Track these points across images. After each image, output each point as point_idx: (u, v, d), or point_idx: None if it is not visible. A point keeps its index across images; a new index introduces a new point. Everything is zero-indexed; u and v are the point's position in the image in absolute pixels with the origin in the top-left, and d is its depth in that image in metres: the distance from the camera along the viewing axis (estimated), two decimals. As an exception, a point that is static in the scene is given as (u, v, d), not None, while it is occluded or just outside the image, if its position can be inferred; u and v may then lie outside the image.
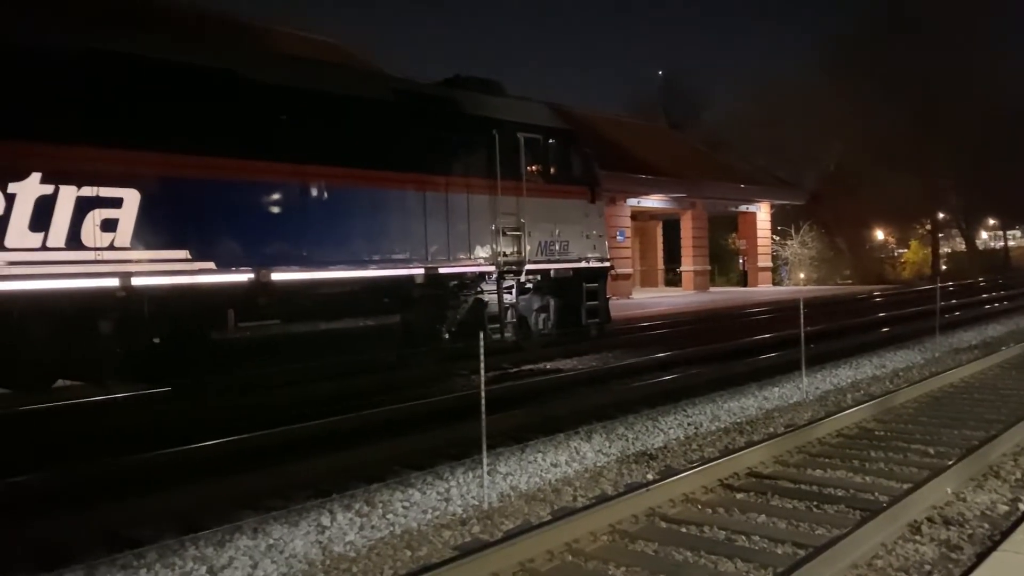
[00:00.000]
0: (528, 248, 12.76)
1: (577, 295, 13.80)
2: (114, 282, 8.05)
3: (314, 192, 9.97)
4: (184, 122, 8.77)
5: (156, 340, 8.84)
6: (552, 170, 13.47)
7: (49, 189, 7.63)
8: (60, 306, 7.89)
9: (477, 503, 6.15)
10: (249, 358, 9.43)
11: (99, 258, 7.97)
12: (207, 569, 4.96)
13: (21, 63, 7.65)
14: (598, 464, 7.28)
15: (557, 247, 13.41)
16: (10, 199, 7.37)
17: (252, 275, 9.18)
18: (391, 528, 5.67)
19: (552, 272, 13.34)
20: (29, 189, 7.50)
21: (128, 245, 8.19)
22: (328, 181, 10.10)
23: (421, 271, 11.19)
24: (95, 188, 7.92)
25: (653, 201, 34.71)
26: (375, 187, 10.68)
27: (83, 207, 7.83)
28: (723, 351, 14.59)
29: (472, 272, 12.12)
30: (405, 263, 11.05)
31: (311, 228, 9.91)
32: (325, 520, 5.69)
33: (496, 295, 12.48)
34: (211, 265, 8.85)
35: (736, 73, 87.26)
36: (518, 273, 12.71)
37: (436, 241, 11.44)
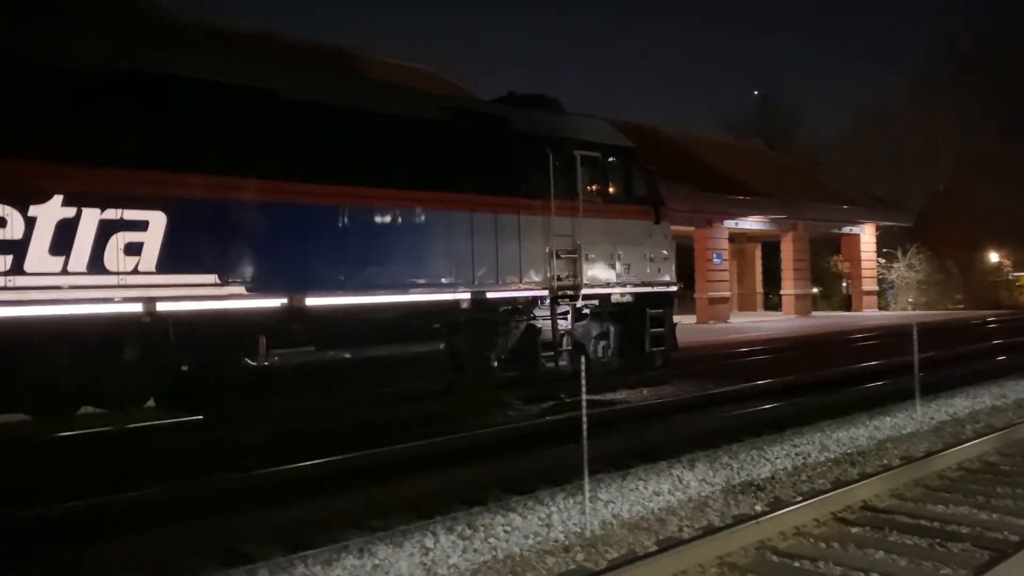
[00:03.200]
0: (585, 271, 12.27)
1: (640, 321, 13.19)
2: (138, 307, 7.97)
3: (352, 214, 9.74)
4: (213, 142, 8.71)
5: (184, 367, 8.74)
6: (612, 189, 12.99)
7: (71, 212, 7.61)
8: (82, 332, 7.84)
9: (579, 530, 6.11)
10: (282, 386, 9.25)
11: (122, 283, 7.90)
12: (315, 587, 5.02)
13: (43, 83, 7.72)
14: (702, 493, 7.14)
15: (617, 270, 12.87)
16: (31, 222, 7.39)
17: (285, 300, 8.99)
18: (493, 552, 5.69)
19: (612, 297, 12.82)
20: (51, 212, 7.51)
21: (153, 269, 8.11)
22: (367, 202, 9.91)
23: (467, 295, 10.84)
24: (119, 211, 7.88)
25: (752, 223, 34.13)
26: (417, 208, 10.41)
27: (106, 230, 7.81)
28: (829, 378, 14.11)
29: (523, 297, 11.70)
30: (450, 287, 10.71)
31: (348, 251, 9.69)
32: (428, 542, 5.79)
33: (550, 321, 12.02)
34: (241, 290, 8.71)
35: (836, 91, 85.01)
36: (574, 298, 12.23)
37: (484, 264, 11.08)
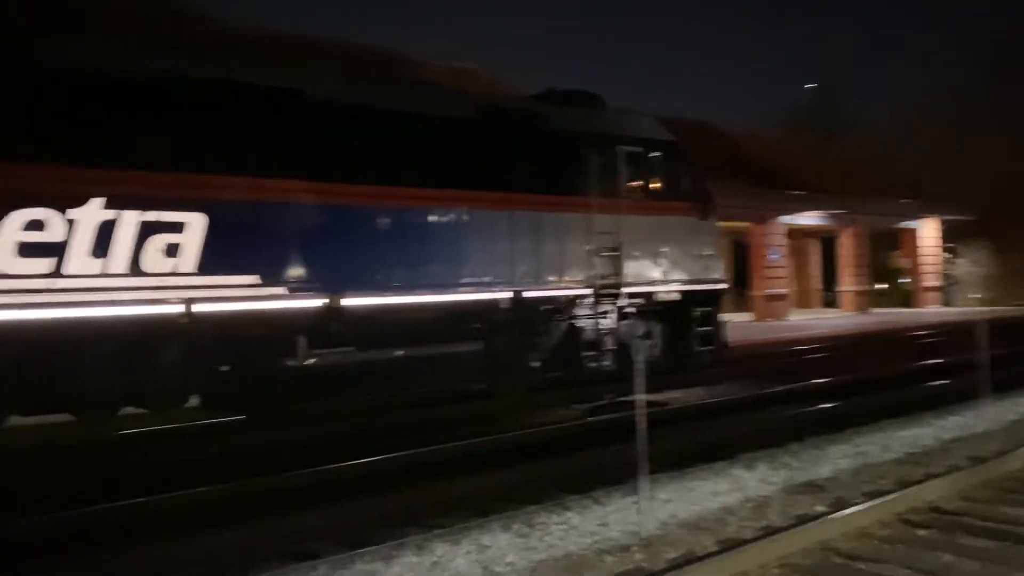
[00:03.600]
0: (627, 269, 12.05)
1: (687, 320, 12.93)
2: (177, 308, 8.05)
3: (389, 214, 9.76)
4: (251, 144, 8.77)
5: (224, 368, 8.81)
6: (655, 185, 12.75)
7: (111, 215, 7.74)
8: (122, 333, 7.93)
9: (636, 529, 6.04)
10: (322, 386, 9.29)
11: (161, 284, 8.00)
12: (376, 584, 5.07)
13: (82, 87, 7.83)
14: (762, 493, 7.03)
15: (661, 268, 12.60)
16: (71, 225, 7.53)
17: (324, 300, 9.02)
18: (551, 551, 5.70)
19: (656, 295, 12.56)
20: (90, 215, 7.64)
21: (192, 270, 8.18)
22: (404, 202, 9.90)
23: (506, 295, 10.76)
24: (158, 212, 7.98)
25: (809, 218, 33.47)
26: (455, 207, 10.38)
27: (145, 232, 7.91)
28: (891, 376, 13.76)
29: (564, 296, 11.54)
30: (489, 287, 10.63)
31: (386, 251, 9.71)
32: (486, 540, 5.76)
33: (592, 320, 11.84)
34: (281, 290, 8.77)
35: (894, 82, 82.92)
36: (617, 297, 12.02)
37: (523, 263, 10.99)
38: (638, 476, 6.21)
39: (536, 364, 11.46)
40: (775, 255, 31.68)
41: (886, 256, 40.91)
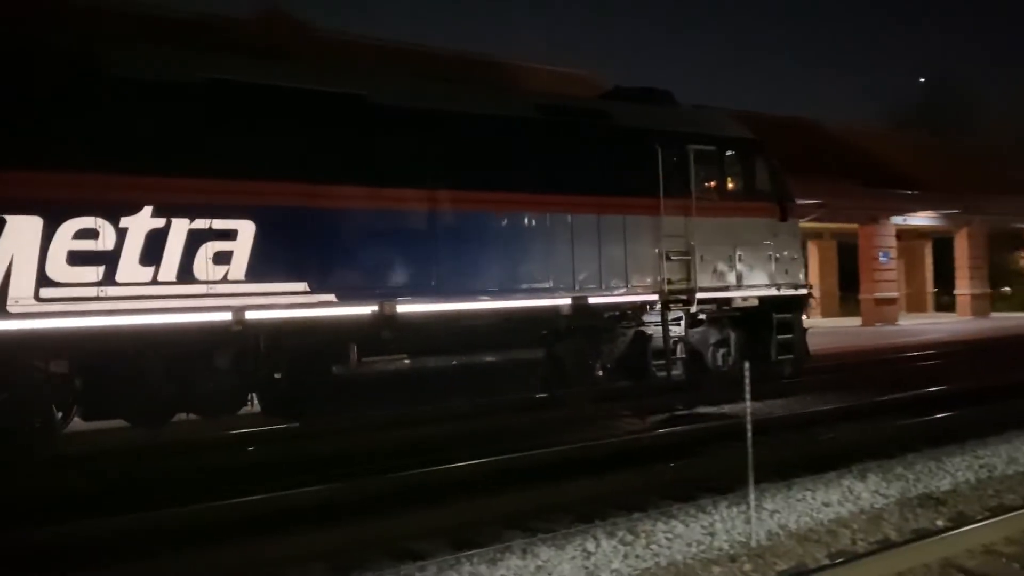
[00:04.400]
0: (699, 274, 11.48)
1: (765, 327, 12.26)
2: (227, 316, 8.05)
3: (444, 219, 9.55)
4: (302, 150, 8.74)
5: (277, 375, 8.83)
6: (730, 185, 12.21)
7: (161, 223, 7.81)
8: (174, 340, 8.02)
9: (744, 539, 5.95)
10: (375, 394, 9.15)
11: (211, 291, 8.02)
12: (482, 585, 5.12)
13: (130, 96, 7.92)
14: (876, 506, 6.83)
15: (737, 272, 11.96)
16: (122, 233, 7.63)
17: (376, 307, 8.88)
18: (656, 559, 5.66)
19: (732, 301, 11.96)
20: (141, 223, 7.73)
21: (242, 278, 8.20)
22: (459, 206, 9.66)
23: (567, 301, 10.39)
24: (208, 220, 8.03)
25: (921, 218, 32.05)
26: (512, 211, 10.08)
27: (195, 240, 7.97)
28: (1015, 384, 13.02)
29: (630, 302, 11.07)
30: (548, 293, 10.28)
31: (441, 257, 9.49)
32: (590, 546, 5.79)
33: (661, 328, 11.31)
34: (331, 297, 8.68)
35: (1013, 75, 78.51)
36: (688, 303, 11.43)
37: (585, 268, 10.59)
38: (748, 485, 6.09)
39: (600, 373, 11.09)
40: (885, 257, 30.50)
41: (1008, 257, 38.81)
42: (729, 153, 12.12)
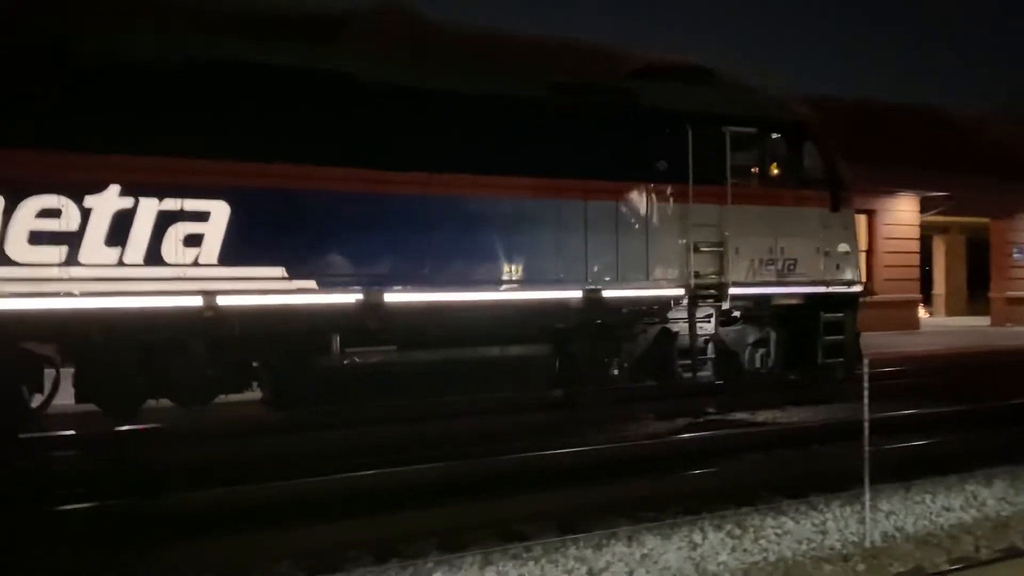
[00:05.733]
0: (733, 267, 10.57)
1: (811, 327, 11.25)
2: (198, 301, 7.80)
3: (438, 203, 9.00)
4: (282, 129, 8.36)
5: (255, 364, 8.61)
6: (774, 171, 11.22)
7: (128, 202, 7.58)
8: (142, 325, 7.79)
9: (857, 540, 5.86)
10: (360, 387, 8.77)
11: (181, 275, 7.76)
12: (587, 570, 5.28)
13: (100, 72, 7.71)
14: (1002, 513, 6.58)
15: (778, 266, 10.98)
16: (86, 213, 7.43)
17: (360, 296, 8.48)
18: (764, 554, 5.64)
19: (772, 298, 11.03)
20: (106, 202, 7.51)
21: (215, 261, 7.89)
22: (456, 190, 9.10)
23: (578, 294, 9.70)
24: (179, 201, 7.75)
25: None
26: (517, 196, 9.45)
27: (165, 221, 7.70)
28: None
29: (651, 296, 10.27)
30: (556, 285, 9.63)
31: (434, 244, 8.97)
32: (697, 537, 5.81)
33: (689, 325, 10.48)
34: (311, 284, 8.31)
35: None
36: (719, 298, 10.56)
37: (600, 259, 9.86)
38: (864, 484, 5.96)
39: (616, 372, 10.37)
40: (1020, 254, 28.78)
41: None
42: (774, 136, 11.17)
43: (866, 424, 6.01)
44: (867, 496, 5.97)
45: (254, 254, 8.09)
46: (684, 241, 10.37)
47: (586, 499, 6.71)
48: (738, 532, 5.90)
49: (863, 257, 23.24)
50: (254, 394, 9.15)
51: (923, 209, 24.60)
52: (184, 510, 6.22)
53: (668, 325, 10.57)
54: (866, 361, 6.16)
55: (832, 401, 11.38)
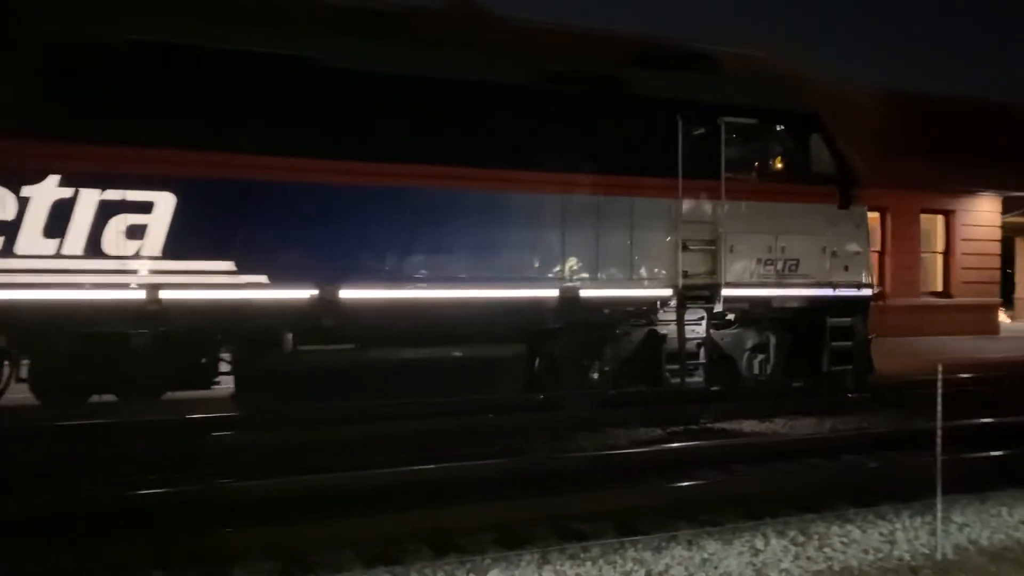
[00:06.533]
0: (728, 267, 10.05)
1: (817, 333, 10.62)
2: (140, 294, 7.63)
3: (401, 196, 8.67)
4: (230, 117, 8.12)
5: (204, 360, 8.38)
6: (775, 165, 10.66)
7: (68, 192, 7.44)
8: (84, 318, 7.62)
9: (928, 552, 5.71)
10: (314, 386, 8.52)
11: (123, 267, 7.59)
12: (645, 572, 5.26)
13: (35, 55, 7.54)
14: (1088, 530, 6.23)
15: (778, 267, 10.40)
16: (23, 203, 7.31)
17: (315, 292, 8.23)
18: (829, 563, 5.57)
19: (771, 300, 10.42)
20: (45, 192, 7.38)
21: (159, 254, 7.72)
22: (420, 182, 8.75)
23: (553, 294, 9.31)
24: (121, 191, 7.59)
25: None
26: (487, 190, 9.07)
27: (107, 212, 7.55)
28: None
29: (634, 297, 9.80)
30: (530, 283, 9.24)
31: (397, 238, 8.66)
32: (759, 543, 5.74)
33: (678, 328, 9.96)
34: (262, 279, 8.07)
35: None
36: (711, 300, 10.04)
37: (578, 256, 9.44)
38: (936, 495, 5.80)
39: (596, 376, 9.92)
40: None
41: None
42: (777, 128, 10.58)
43: (938, 431, 5.87)
44: (939, 506, 5.81)
45: (201, 247, 7.90)
46: (673, 239, 9.90)
47: (645, 500, 6.66)
48: (801, 539, 5.81)
49: (939, 259, 22.76)
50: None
51: (1005, 210, 23.71)
52: (253, 496, 6.31)
53: (656, 327, 10.08)
54: (939, 367, 5.97)
55: (862, 410, 10.71)
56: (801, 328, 10.77)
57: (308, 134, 8.41)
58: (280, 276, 8.18)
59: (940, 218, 22.47)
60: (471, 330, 9.11)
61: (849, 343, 10.79)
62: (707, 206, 10.07)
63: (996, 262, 23.96)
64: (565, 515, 6.15)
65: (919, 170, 20.51)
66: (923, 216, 22.01)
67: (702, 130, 10.07)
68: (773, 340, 10.75)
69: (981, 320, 22.38)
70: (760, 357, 10.74)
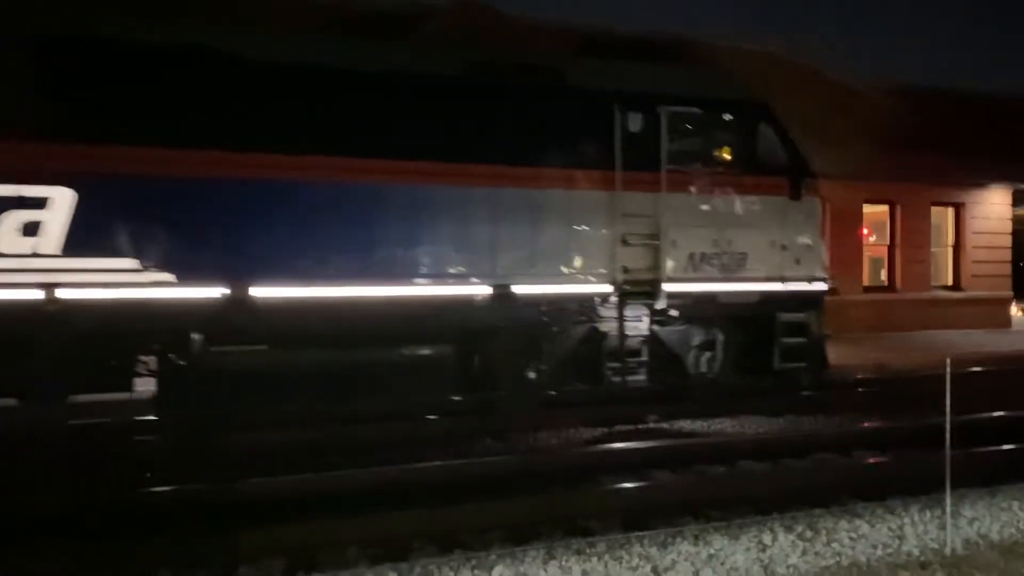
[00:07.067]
0: (669, 262, 9.76)
1: (767, 329, 10.32)
2: (37, 294, 7.36)
3: (319, 191, 8.43)
4: (132, 108, 7.84)
5: (114, 362, 8.08)
6: (720, 155, 10.29)
7: None
8: None
9: (937, 547, 5.69)
10: (227, 389, 8.20)
11: (18, 266, 7.33)
12: (651, 568, 5.22)
13: None
14: (1099, 526, 6.17)
15: (724, 261, 10.08)
16: None
17: (225, 290, 7.96)
18: (837, 558, 5.56)
19: (719, 296, 10.13)
20: None
21: (57, 252, 7.44)
22: (339, 176, 8.49)
23: (484, 291, 9.03)
24: (15, 187, 7.31)
25: None
26: (411, 184, 8.78)
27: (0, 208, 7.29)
28: None
29: (571, 293, 9.54)
30: (458, 280, 8.97)
31: (314, 234, 8.41)
32: (766, 538, 5.68)
33: (619, 325, 9.66)
34: (168, 277, 7.80)
35: None
36: (652, 296, 9.75)
37: (511, 252, 9.17)
38: (945, 489, 5.76)
39: (533, 376, 9.58)
40: None
41: None
42: (724, 117, 10.23)
43: (948, 426, 5.83)
44: (948, 500, 5.77)
45: (103, 244, 7.62)
46: (611, 233, 9.60)
47: (651, 497, 6.68)
48: (809, 534, 5.75)
49: (949, 252, 22.64)
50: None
51: (1016, 202, 23.53)
52: (260, 495, 6.31)
53: (597, 325, 9.77)
54: (948, 360, 5.93)
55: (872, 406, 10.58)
56: (751, 324, 10.48)
57: (212, 125, 8.11)
58: (187, 274, 7.91)
59: (950, 211, 22.31)
60: (394, 330, 8.80)
61: (802, 339, 10.50)
62: (647, 199, 9.76)
63: (1008, 255, 23.79)
64: (573, 512, 6.18)
65: (929, 163, 20.38)
66: (933, 209, 21.88)
67: (641, 121, 9.77)
68: (721, 337, 10.43)
69: (992, 314, 22.21)
70: (708, 355, 10.43)
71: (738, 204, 10.22)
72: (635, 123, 9.73)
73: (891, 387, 12.14)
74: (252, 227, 8.23)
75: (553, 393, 9.89)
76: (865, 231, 20.90)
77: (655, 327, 10.00)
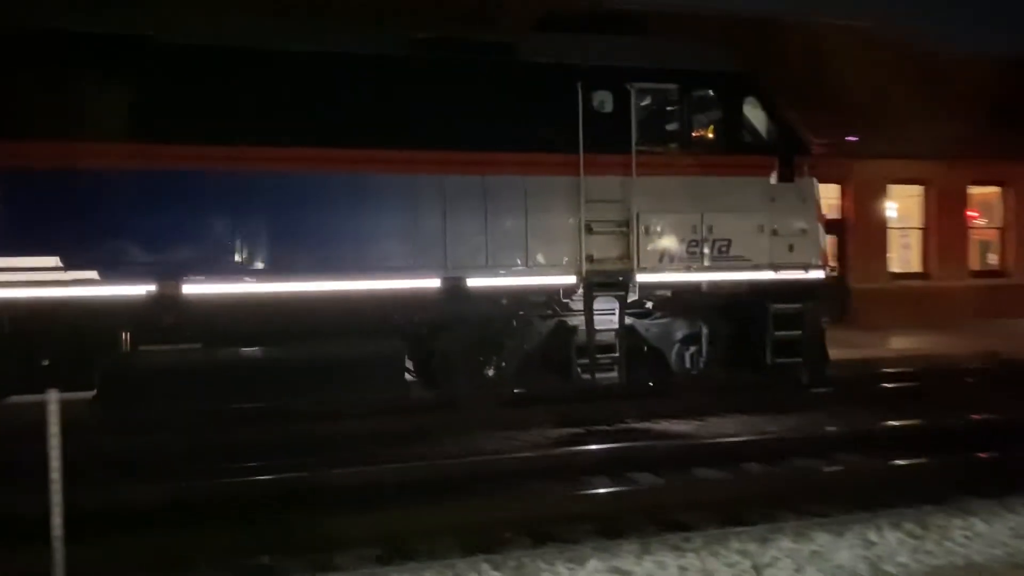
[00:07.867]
0: (643, 251, 9.10)
1: (758, 322, 9.56)
2: None
3: (254, 181, 8.05)
4: (52, 101, 7.58)
5: (45, 362, 7.81)
6: (698, 133, 9.62)
7: None
8: None
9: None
10: (158, 390, 7.88)
11: None
12: (751, 564, 5.02)
13: None
14: None
15: (706, 249, 9.33)
16: None
17: (153, 288, 7.65)
18: (950, 557, 5.27)
19: (701, 286, 9.44)
20: None
21: None
22: (276, 166, 8.09)
23: (435, 284, 8.52)
24: None
25: None
26: (354, 172, 8.35)
27: None
28: None
29: (532, 285, 8.98)
30: (406, 273, 8.47)
31: (249, 228, 8.03)
32: (872, 535, 5.48)
33: (589, 318, 9.05)
34: (91, 275, 7.54)
35: None
36: (624, 287, 9.10)
37: (464, 242, 8.63)
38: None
39: (493, 373, 9.10)
40: None
41: None
42: (703, 93, 9.49)
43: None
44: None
45: (19, 242, 7.41)
46: (575, 220, 8.96)
47: (749, 490, 6.48)
48: (919, 532, 5.46)
49: (996, 235, 21.82)
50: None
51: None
52: (347, 484, 6.25)
53: (566, 318, 9.23)
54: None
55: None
56: (740, 316, 9.74)
57: (134, 116, 7.77)
58: (112, 272, 7.63)
59: (996, 191, 21.33)
60: (335, 326, 8.38)
61: (797, 332, 9.66)
62: (616, 183, 9.10)
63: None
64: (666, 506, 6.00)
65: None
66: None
67: (609, 98, 9.12)
68: (706, 330, 9.73)
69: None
70: (692, 349, 9.76)
71: (719, 186, 9.42)
72: (600, 101, 9.11)
73: (1003, 377, 11.32)
74: (178, 221, 7.91)
75: (518, 391, 9.46)
76: (973, 214, 19.98)
77: (632, 320, 9.41)
